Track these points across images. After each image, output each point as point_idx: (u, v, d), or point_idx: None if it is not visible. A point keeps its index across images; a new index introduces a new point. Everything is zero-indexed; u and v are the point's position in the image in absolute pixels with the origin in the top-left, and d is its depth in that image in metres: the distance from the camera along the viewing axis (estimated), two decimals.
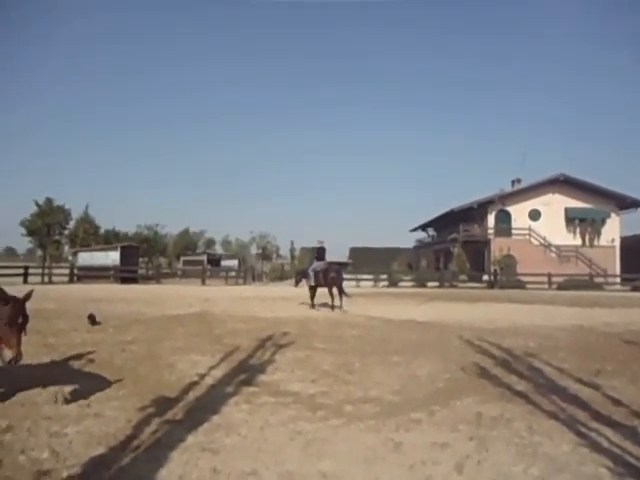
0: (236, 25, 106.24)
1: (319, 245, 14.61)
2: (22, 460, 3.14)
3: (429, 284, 28.72)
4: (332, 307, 13.25)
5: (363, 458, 3.28)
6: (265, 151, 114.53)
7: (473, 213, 37.23)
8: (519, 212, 36.80)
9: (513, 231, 36.39)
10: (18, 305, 3.79)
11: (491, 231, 36.76)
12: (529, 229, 36.16)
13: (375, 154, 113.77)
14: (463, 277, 30.80)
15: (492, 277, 29.37)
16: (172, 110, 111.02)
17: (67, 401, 4.32)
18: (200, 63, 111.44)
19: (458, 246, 35.51)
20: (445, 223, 41.38)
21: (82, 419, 3.94)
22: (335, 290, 13.39)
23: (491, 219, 37.23)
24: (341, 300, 13.42)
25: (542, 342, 8.21)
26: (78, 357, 6.22)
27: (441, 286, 28.12)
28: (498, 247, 34.29)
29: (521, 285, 27.74)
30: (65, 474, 2.95)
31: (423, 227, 49.99)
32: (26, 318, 3.84)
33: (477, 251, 36.24)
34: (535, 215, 36.78)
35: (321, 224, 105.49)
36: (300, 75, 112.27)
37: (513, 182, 40.58)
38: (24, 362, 5.27)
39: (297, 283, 14.92)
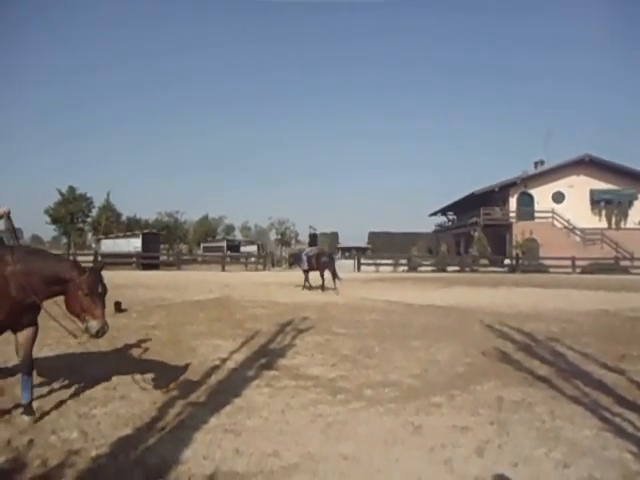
0: (253, 11, 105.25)
1: (311, 232, 16.37)
2: (53, 440, 3.26)
3: (449, 269, 28.48)
4: (322, 288, 14.20)
5: (383, 441, 3.30)
6: (283, 136, 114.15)
7: (494, 196, 36.57)
8: (542, 195, 35.97)
9: (536, 214, 35.60)
10: (96, 274, 3.61)
11: (513, 214, 36.06)
12: (552, 212, 35.34)
13: (394, 138, 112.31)
14: (484, 261, 30.42)
15: (514, 261, 28.95)
16: (193, 95, 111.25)
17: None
18: (215, 49, 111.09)
19: (479, 230, 35.04)
20: (465, 207, 40.75)
21: (109, 401, 4.06)
22: (328, 274, 14.34)
23: (513, 202, 36.50)
24: (334, 283, 14.17)
25: (565, 327, 8.09)
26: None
27: (461, 270, 27.87)
28: (520, 231, 33.67)
29: (544, 269, 27.27)
30: (94, 453, 3.05)
31: (443, 211, 49.38)
32: (104, 287, 3.63)
33: (498, 235, 35.67)
34: (559, 197, 35.92)
35: (340, 209, 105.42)
36: (318, 60, 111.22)
37: (536, 164, 39.62)
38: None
39: (290, 265, 16.22)
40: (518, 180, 36.20)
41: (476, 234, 34.88)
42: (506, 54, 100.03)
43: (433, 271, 28.01)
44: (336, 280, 14.26)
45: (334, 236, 71.63)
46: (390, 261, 30.02)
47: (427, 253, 42.31)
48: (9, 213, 4.03)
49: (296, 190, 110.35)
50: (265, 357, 5.72)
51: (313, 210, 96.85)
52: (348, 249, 64.39)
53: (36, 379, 4.17)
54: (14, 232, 4.08)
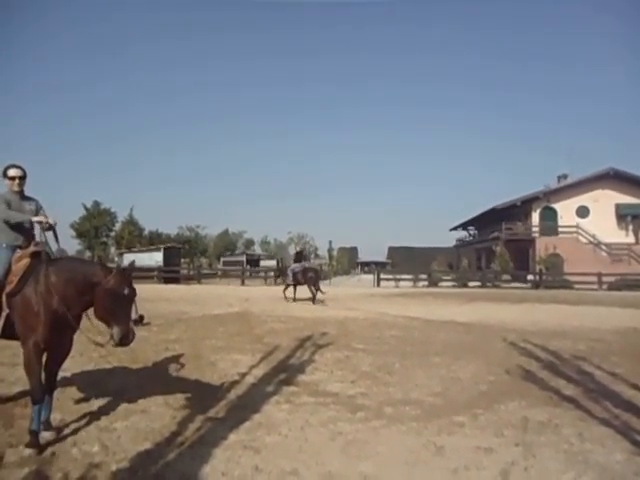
0: (270, 24, 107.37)
1: (298, 250, 18.47)
2: (74, 453, 3.29)
3: (470, 284, 28.06)
4: (313, 301, 15.39)
5: (404, 461, 3.23)
6: (303, 151, 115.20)
7: (516, 211, 36.06)
8: (566, 209, 35.31)
9: (559, 229, 34.91)
10: (122, 275, 3.39)
11: (536, 229, 35.45)
12: (577, 227, 34.61)
13: (414, 153, 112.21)
14: (506, 277, 29.90)
15: (537, 277, 28.37)
16: (215, 108, 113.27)
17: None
18: (235, 61, 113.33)
19: (501, 245, 34.53)
20: (487, 221, 40.26)
21: (129, 415, 4.08)
22: (314, 287, 15.61)
23: (535, 217, 35.92)
24: (314, 295, 15.56)
25: (592, 345, 7.85)
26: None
27: (483, 286, 27.42)
28: (543, 246, 33.01)
29: (568, 285, 26.62)
30: (114, 468, 3.06)
31: (464, 226, 48.86)
32: (133, 290, 3.41)
33: (521, 250, 35.05)
34: (583, 212, 35.21)
35: (359, 224, 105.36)
36: (335, 72, 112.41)
37: (559, 178, 39.00)
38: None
39: (276, 279, 19.31)
40: (541, 194, 35.67)
41: (498, 249, 34.37)
42: (526, 69, 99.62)
43: (454, 286, 27.61)
44: (319, 292, 15.70)
45: (353, 251, 71.50)
46: (410, 276, 29.75)
47: (448, 268, 41.84)
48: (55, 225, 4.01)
49: (315, 205, 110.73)
50: (284, 372, 5.69)
51: (332, 225, 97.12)
52: (367, 264, 64.16)
53: (57, 391, 4.21)
54: (56, 241, 3.96)
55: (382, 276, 29.43)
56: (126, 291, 3.33)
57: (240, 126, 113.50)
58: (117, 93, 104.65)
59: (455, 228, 50.57)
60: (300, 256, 17.33)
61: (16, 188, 3.83)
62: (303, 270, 15.91)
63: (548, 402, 4.63)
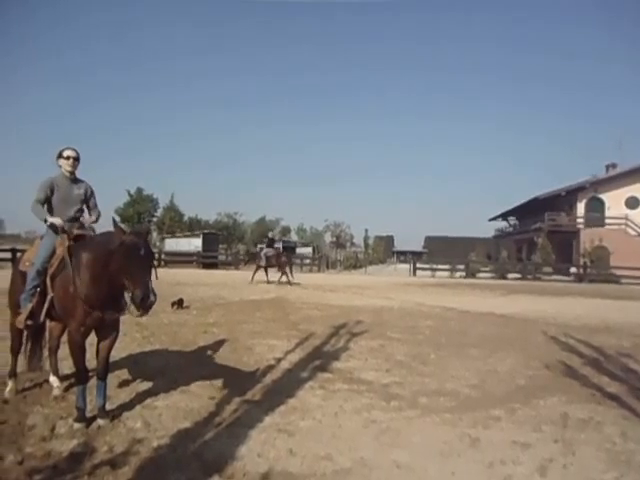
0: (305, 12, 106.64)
1: (270, 237, 20.65)
2: (119, 428, 3.45)
3: (510, 276, 27.35)
4: (279, 281, 17.16)
5: (438, 452, 3.22)
6: (340, 138, 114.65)
7: (560, 201, 34.70)
8: (614, 199, 33.66)
9: (607, 220, 33.40)
10: (137, 236, 3.33)
11: (581, 220, 34.03)
12: (625, 218, 32.97)
13: (453, 142, 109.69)
14: (548, 269, 28.93)
15: (581, 270, 27.33)
16: (252, 96, 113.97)
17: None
18: (272, 48, 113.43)
19: (543, 236, 33.35)
20: (528, 212, 38.96)
21: (170, 394, 4.23)
22: (286, 270, 17.34)
23: (581, 207, 34.45)
24: (288, 277, 17.24)
25: (638, 342, 7.53)
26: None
27: (523, 278, 26.67)
28: (589, 237, 31.67)
29: (615, 279, 25.49)
30: (155, 444, 3.19)
31: (504, 216, 47.49)
32: (150, 253, 3.38)
33: (564, 242, 33.78)
34: (633, 203, 33.47)
35: (396, 212, 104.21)
36: (372, 59, 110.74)
37: (607, 167, 37.20)
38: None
39: (246, 263, 21.34)
40: (587, 184, 34.13)
41: (540, 240, 33.22)
42: (572, 60, 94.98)
43: (492, 278, 27.00)
44: (290, 275, 17.37)
45: (389, 240, 70.87)
46: (447, 266, 29.27)
47: (486, 259, 40.89)
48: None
49: (352, 193, 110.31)
50: (319, 359, 5.75)
51: (369, 213, 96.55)
52: (403, 253, 63.51)
53: None
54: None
55: (418, 266, 29.12)
56: (142, 251, 3.26)
57: (280, 114, 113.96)
58: (161, 88, 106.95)
59: (494, 218, 49.23)
60: (272, 242, 19.49)
61: (69, 167, 3.95)
62: (277, 255, 17.97)
63: (590, 399, 4.49)
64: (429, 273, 27.74)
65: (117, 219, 3.65)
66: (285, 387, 4.57)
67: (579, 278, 26.34)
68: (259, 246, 29.53)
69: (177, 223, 48.56)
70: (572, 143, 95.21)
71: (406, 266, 33.15)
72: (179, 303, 9.57)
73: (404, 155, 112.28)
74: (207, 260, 29.94)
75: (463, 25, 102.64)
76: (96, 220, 4.11)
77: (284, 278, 17.27)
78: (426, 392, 4.58)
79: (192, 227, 47.41)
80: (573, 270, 28.38)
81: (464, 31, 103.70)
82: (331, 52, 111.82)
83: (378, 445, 3.31)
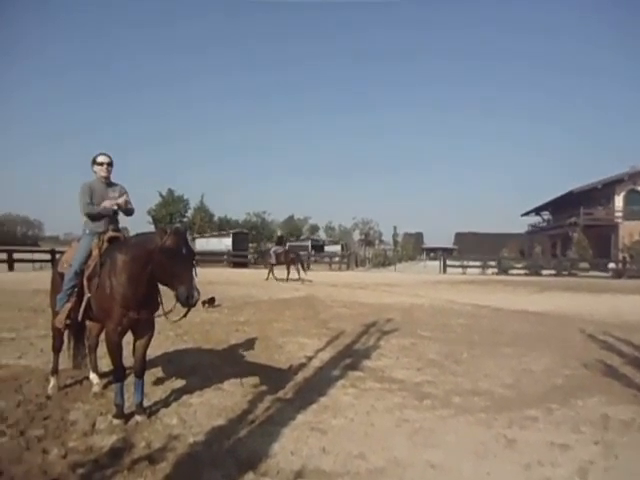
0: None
1: (279, 234, 21.94)
2: (156, 424, 3.54)
3: (544, 272, 26.62)
4: (287, 279, 17.58)
5: (473, 452, 3.17)
6: (367, 138, 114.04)
7: (597, 194, 33.57)
8: None
9: None
10: (178, 235, 3.42)
11: (619, 214, 32.83)
12: None
13: (482, 136, 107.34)
14: (584, 265, 28.07)
15: (620, 265, 26.36)
16: (280, 102, 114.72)
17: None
18: (306, 39, 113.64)
19: (578, 231, 32.37)
20: (563, 206, 37.83)
21: (204, 391, 4.31)
22: (295, 267, 17.98)
23: (619, 200, 33.23)
24: (299, 273, 17.84)
25: None
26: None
27: (558, 274, 25.93)
28: (628, 232, 30.52)
29: None
30: (191, 440, 3.26)
31: (537, 210, 46.26)
32: (190, 250, 3.44)
33: (601, 236, 32.65)
34: None
35: (425, 209, 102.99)
36: (400, 51, 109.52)
37: None
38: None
39: (256, 260, 23.04)
40: (626, 176, 32.89)
41: (575, 235, 32.26)
42: (604, 50, 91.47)
43: (525, 274, 26.36)
44: (303, 272, 18.03)
45: (418, 237, 70.15)
46: (478, 263, 28.77)
47: (519, 255, 39.95)
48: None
49: (381, 190, 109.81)
50: (350, 357, 5.75)
51: (397, 210, 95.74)
52: (433, 250, 62.77)
53: None
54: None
55: (449, 263, 28.71)
56: (184, 250, 3.35)
57: (306, 118, 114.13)
58: (193, 91, 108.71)
59: (527, 213, 48.02)
60: (281, 240, 20.05)
61: (103, 173, 4.09)
62: (285, 252, 18.34)
63: (632, 400, 4.32)
64: (459, 270, 27.33)
65: (149, 220, 3.74)
66: (316, 385, 4.58)
67: (618, 274, 25.41)
68: (268, 244, 30.01)
69: (207, 223, 49.36)
70: (606, 136, 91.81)
71: (436, 263, 32.66)
72: (210, 302, 9.73)
73: (433, 151, 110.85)
74: (237, 259, 30.29)
75: (499, 11, 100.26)
76: (129, 207, 4.14)
77: (295, 275, 17.79)
78: (459, 391, 4.51)
79: (222, 227, 48.12)
80: (611, 266, 27.39)
81: (498, 18, 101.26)
82: (368, 42, 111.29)
83: (411, 444, 3.28)
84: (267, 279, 17.81)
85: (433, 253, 59.42)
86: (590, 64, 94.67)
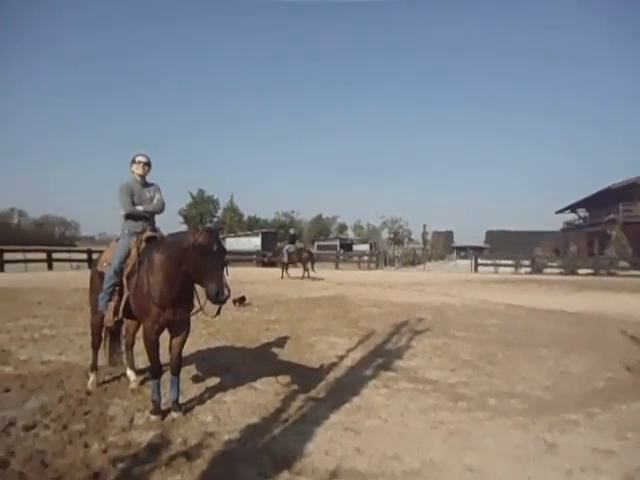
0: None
1: (292, 233, 21.42)
2: (192, 421, 3.59)
3: (580, 271, 25.76)
4: (302, 277, 17.81)
5: (512, 456, 3.09)
6: (395, 137, 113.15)
7: (636, 190, 32.25)
8: None
9: None
10: (210, 233, 3.48)
11: None
12: None
13: (515, 133, 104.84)
14: (624, 264, 27.03)
15: None
16: (309, 100, 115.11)
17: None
18: (337, 33, 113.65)
19: (617, 228, 31.22)
20: (600, 203, 36.53)
21: (237, 389, 4.35)
22: (306, 266, 18.15)
23: None
24: (309, 271, 18.11)
25: None
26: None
27: (596, 274, 25.03)
28: None
29: None
30: (226, 437, 3.29)
31: (572, 208, 44.83)
32: (222, 248, 3.50)
33: None
34: None
35: (455, 207, 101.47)
36: (435, 48, 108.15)
37: None
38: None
39: (270, 259, 22.77)
40: None
41: (614, 233, 31.12)
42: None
43: (561, 274, 25.56)
44: (312, 270, 18.20)
45: (448, 235, 69.13)
46: (511, 262, 28.09)
47: (553, 254, 38.83)
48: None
49: (409, 189, 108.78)
50: (381, 357, 5.70)
51: (427, 209, 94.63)
52: (463, 248, 61.69)
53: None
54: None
55: (480, 261, 28.17)
56: (215, 247, 3.40)
57: (334, 117, 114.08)
58: (213, 88, 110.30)
59: (562, 210, 46.60)
60: (294, 238, 20.19)
61: (140, 171, 4.20)
62: (298, 250, 18.59)
63: None
64: (491, 269, 26.77)
65: (181, 220, 3.83)
66: (349, 385, 4.56)
67: None
68: (280, 243, 30.30)
69: (237, 223, 50.01)
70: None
71: (466, 262, 32.14)
72: (241, 300, 9.83)
73: (463, 148, 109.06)
74: (266, 258, 30.49)
75: (531, 9, 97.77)
76: (155, 205, 4.24)
77: (307, 273, 18.03)
78: (495, 393, 4.41)
79: (251, 226, 48.64)
80: None
81: (529, 16, 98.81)
82: (403, 38, 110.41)
83: (447, 447, 3.22)
84: (282, 277, 17.97)
85: (463, 252, 58.36)
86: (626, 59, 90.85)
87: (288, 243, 19.54)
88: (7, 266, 19.67)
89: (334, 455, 3.06)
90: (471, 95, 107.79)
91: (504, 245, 52.53)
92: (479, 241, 66.89)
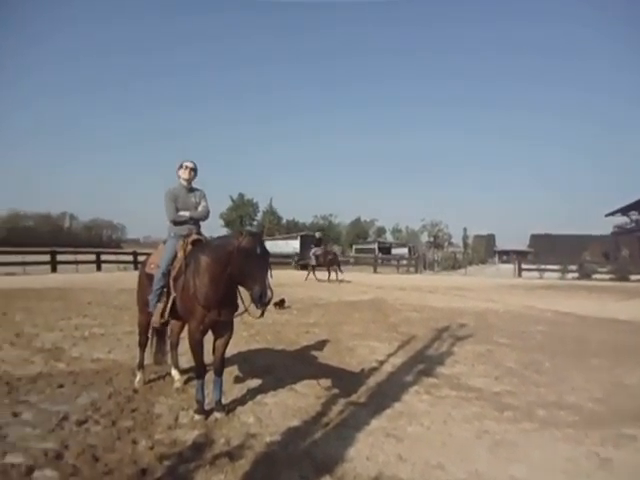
0: None
1: (317, 236, 21.16)
2: (234, 422, 3.64)
3: (633, 277, 24.47)
4: (328, 279, 18.10)
5: (562, 470, 2.96)
6: (433, 139, 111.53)
7: None
8: None
9: None
10: (253, 237, 3.55)
11: None
12: None
13: (559, 133, 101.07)
14: None
15: None
16: (346, 100, 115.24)
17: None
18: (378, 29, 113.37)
19: None
20: None
21: (278, 391, 4.39)
22: (333, 269, 18.42)
23: None
24: (337, 275, 18.30)
25: None
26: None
27: None
28: None
29: None
30: (268, 439, 3.32)
31: (624, 210, 42.64)
32: (265, 251, 3.56)
33: None
34: None
35: (497, 210, 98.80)
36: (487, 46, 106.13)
37: None
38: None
39: (296, 263, 23.58)
40: None
41: None
42: None
43: (611, 280, 24.37)
44: (338, 273, 18.39)
45: (490, 239, 67.33)
46: (557, 266, 26.99)
47: (603, 259, 37.10)
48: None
49: (450, 191, 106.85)
50: (422, 363, 5.60)
51: (467, 212, 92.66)
52: (506, 253, 59.94)
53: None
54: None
55: (524, 266, 27.26)
56: (259, 250, 3.48)
57: (376, 117, 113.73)
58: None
59: (613, 213, 44.44)
60: (320, 242, 20.27)
61: (186, 176, 4.32)
62: (324, 253, 18.84)
63: None
64: (536, 274, 25.82)
65: (221, 223, 3.91)
66: (390, 390, 4.51)
67: None
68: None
69: (276, 226, 50.62)
70: None
71: (509, 266, 31.22)
72: (281, 303, 9.92)
73: (505, 149, 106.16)
74: (304, 261, 30.63)
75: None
76: (201, 212, 4.35)
77: (333, 276, 18.27)
78: (543, 404, 4.24)
79: (290, 229, 49.09)
80: None
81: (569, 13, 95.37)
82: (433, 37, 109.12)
83: (493, 458, 3.12)
84: (306, 279, 18.37)
85: (506, 256, 56.74)
86: None
87: (314, 246, 19.79)
88: (59, 267, 20.68)
89: (376, 461, 3.03)
90: (512, 95, 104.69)
91: (549, 249, 50.62)
92: (522, 245, 64.68)
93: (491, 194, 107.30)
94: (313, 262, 18.79)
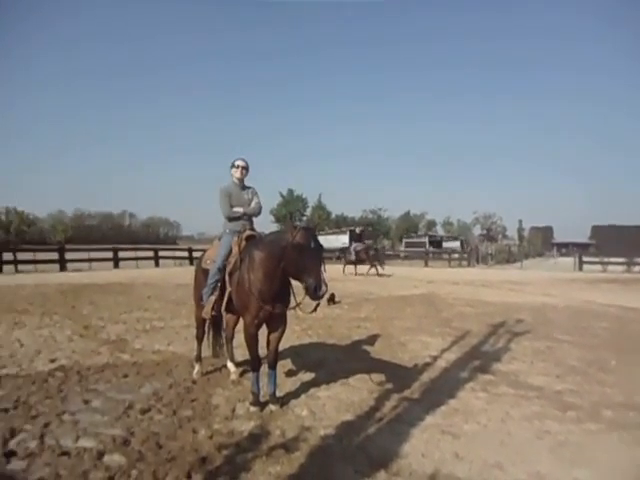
0: None
1: (358, 231, 21.72)
2: (289, 415, 3.70)
3: None
4: (377, 274, 18.49)
5: (633, 476, 2.81)
6: (485, 131, 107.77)
7: None
8: None
9: None
10: (306, 231, 3.59)
11: None
12: None
13: (623, 116, 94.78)
14: None
15: None
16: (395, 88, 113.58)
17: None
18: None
19: None
20: None
21: (331, 385, 4.42)
22: (374, 263, 18.68)
23: None
24: (377, 269, 18.72)
25: None
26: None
27: None
28: None
29: None
30: (322, 433, 3.35)
31: None
32: (319, 245, 3.58)
33: None
34: None
35: (555, 200, 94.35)
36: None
37: None
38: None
39: (338, 258, 22.16)
40: None
41: None
42: None
43: None
44: (379, 267, 18.75)
45: (547, 231, 64.46)
46: (621, 259, 25.43)
47: None
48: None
49: (504, 183, 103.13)
50: (478, 359, 5.46)
51: (523, 203, 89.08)
52: (565, 245, 57.15)
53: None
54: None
55: (585, 259, 25.89)
56: (312, 244, 3.50)
57: (425, 112, 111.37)
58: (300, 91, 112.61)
59: None
60: (360, 237, 20.58)
61: (238, 175, 4.45)
62: (365, 248, 18.99)
63: None
64: (599, 267, 24.47)
65: (272, 219, 3.99)
66: (444, 387, 4.43)
67: None
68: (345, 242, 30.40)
69: (325, 221, 50.83)
70: None
71: (569, 260, 29.71)
72: (331, 298, 9.95)
73: (562, 136, 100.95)
74: (333, 257, 30.61)
75: None
76: (254, 208, 4.48)
77: (373, 270, 18.65)
78: (609, 404, 4.03)
79: (339, 224, 49.15)
80: None
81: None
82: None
83: (555, 459, 3.00)
84: (343, 272, 18.87)
85: (565, 249, 54.06)
86: None
87: (355, 241, 19.94)
88: (121, 263, 21.79)
89: (432, 458, 2.99)
90: (565, 83, 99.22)
91: (612, 241, 47.81)
92: (583, 237, 61.46)
93: (549, 185, 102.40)
94: (352, 257, 19.01)
